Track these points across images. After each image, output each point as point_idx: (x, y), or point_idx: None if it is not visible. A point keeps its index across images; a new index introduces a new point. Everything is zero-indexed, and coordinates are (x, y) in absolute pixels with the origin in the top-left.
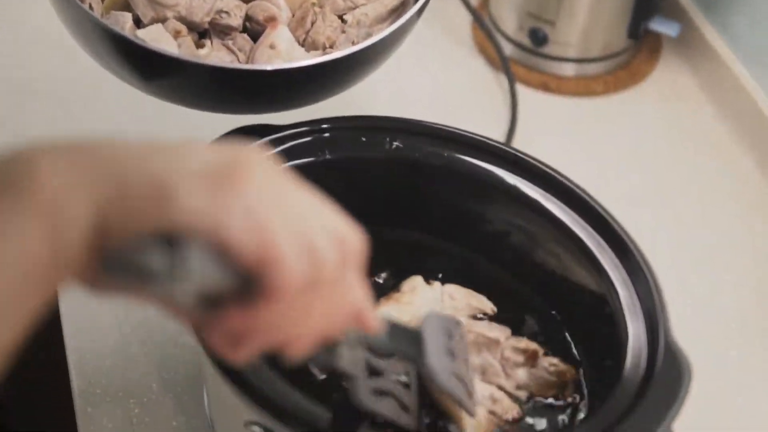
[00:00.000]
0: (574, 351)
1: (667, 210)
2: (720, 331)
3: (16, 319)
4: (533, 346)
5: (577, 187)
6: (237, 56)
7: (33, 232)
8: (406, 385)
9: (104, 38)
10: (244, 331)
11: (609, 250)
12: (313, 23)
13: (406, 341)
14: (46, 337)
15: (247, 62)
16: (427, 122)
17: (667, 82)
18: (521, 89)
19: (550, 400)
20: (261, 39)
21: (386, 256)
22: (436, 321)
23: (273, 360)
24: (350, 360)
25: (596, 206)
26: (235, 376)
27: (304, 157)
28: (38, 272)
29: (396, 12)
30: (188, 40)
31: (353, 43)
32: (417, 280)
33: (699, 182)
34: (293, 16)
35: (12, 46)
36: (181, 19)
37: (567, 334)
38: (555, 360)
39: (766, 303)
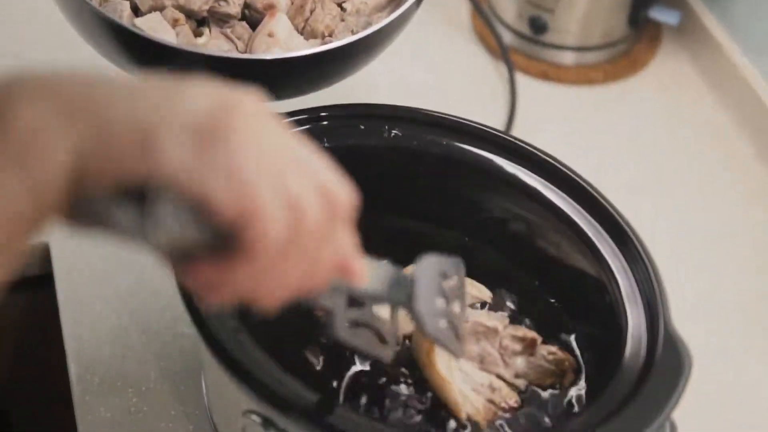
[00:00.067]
0: (574, 339)
1: (666, 198)
2: (720, 320)
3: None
4: (531, 334)
5: (577, 175)
6: (236, 44)
7: (10, 177)
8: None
9: (102, 27)
10: (218, 282)
11: (608, 239)
12: (312, 11)
13: (396, 286)
14: (44, 327)
15: (245, 51)
16: (425, 110)
17: (667, 71)
18: (521, 78)
19: (551, 386)
20: (260, 27)
21: (385, 245)
22: (431, 263)
23: (271, 348)
24: (329, 295)
25: (596, 195)
26: (233, 364)
27: None
28: (18, 214)
29: (395, 0)
30: (186, 28)
31: (352, 32)
32: None
33: (699, 171)
34: (292, 3)
35: (10, 34)
36: (180, 8)
37: (566, 323)
38: (554, 348)
39: (766, 289)
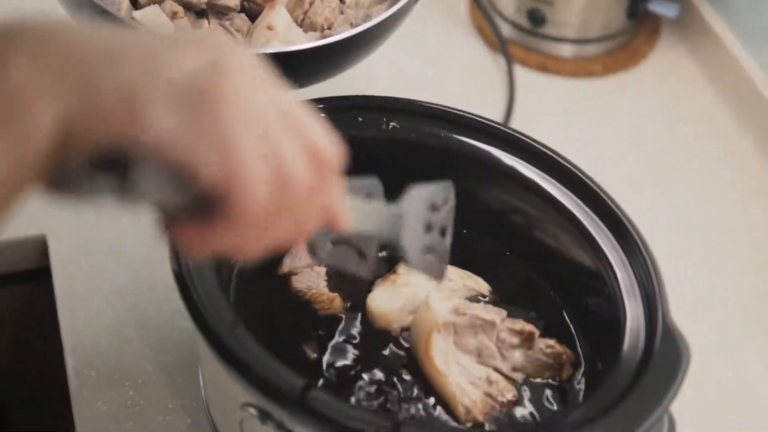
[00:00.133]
0: (572, 332)
1: (665, 191)
2: (718, 315)
3: None
4: (529, 327)
5: (575, 167)
6: (234, 37)
7: None
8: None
9: (101, 19)
10: (202, 241)
11: (607, 231)
12: (311, 4)
13: (384, 223)
14: (42, 321)
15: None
16: (424, 102)
17: (666, 64)
18: (519, 70)
19: (548, 381)
20: (259, 20)
21: None
22: (419, 195)
23: (268, 341)
24: None
25: (594, 187)
26: (230, 357)
27: None
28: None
29: None
30: (185, 21)
31: (352, 25)
32: None
33: (697, 163)
34: None
35: None
36: (178, 0)
37: (564, 316)
38: (551, 342)
39: (765, 286)
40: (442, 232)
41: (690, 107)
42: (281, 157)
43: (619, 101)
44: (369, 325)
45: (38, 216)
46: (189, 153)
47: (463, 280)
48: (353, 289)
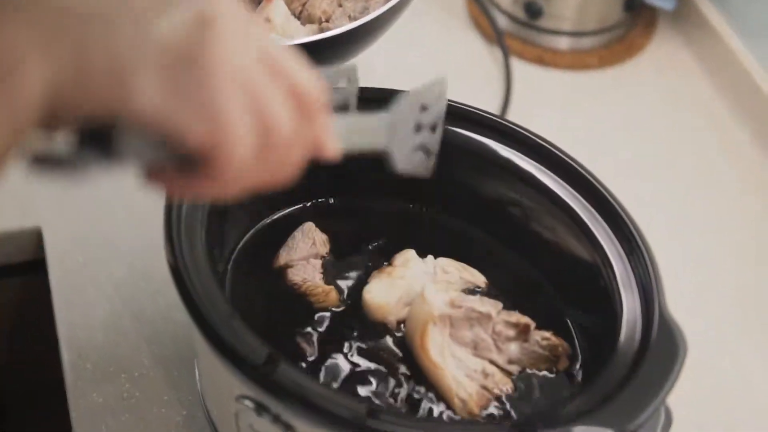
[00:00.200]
0: (568, 324)
1: (662, 183)
2: (714, 307)
3: None
4: (525, 319)
5: (572, 159)
6: None
7: None
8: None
9: None
10: (186, 191)
11: (604, 223)
12: None
13: (372, 136)
14: (37, 313)
15: None
16: None
17: (663, 56)
18: (516, 63)
19: (544, 373)
20: (256, 13)
21: (378, 229)
22: (411, 99)
23: (264, 334)
24: None
25: (591, 179)
26: (226, 350)
27: None
28: None
29: None
30: None
31: (350, 17)
32: (410, 254)
33: (694, 155)
34: None
35: None
36: None
37: (561, 308)
38: (547, 334)
39: (762, 277)
40: (433, 128)
41: (687, 100)
42: (266, 108)
43: (616, 94)
44: (365, 317)
45: (33, 208)
46: (175, 121)
47: (459, 273)
48: (349, 282)
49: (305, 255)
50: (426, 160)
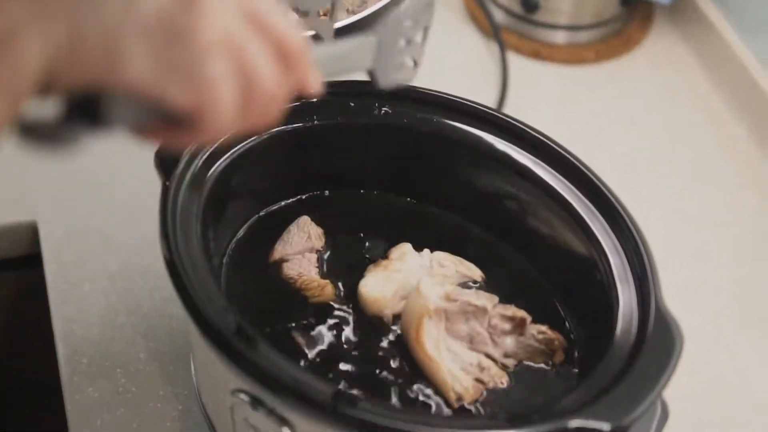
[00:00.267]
0: (565, 318)
1: (658, 177)
2: (711, 301)
3: None
4: (521, 313)
5: (568, 153)
6: None
7: None
8: None
9: None
10: (173, 141)
11: (600, 217)
12: None
13: (357, 59)
14: (32, 308)
15: None
16: (416, 87)
17: (659, 50)
18: (512, 57)
19: (540, 366)
20: None
21: (375, 223)
22: (397, 16)
23: (260, 328)
24: None
25: (587, 173)
26: (221, 344)
27: (293, 123)
28: None
29: None
30: None
31: (348, 11)
32: (406, 247)
33: (691, 150)
34: None
35: None
36: None
37: (557, 301)
38: (543, 327)
39: (759, 271)
40: (421, 38)
41: (683, 94)
42: (250, 66)
43: (612, 88)
44: (360, 311)
45: (29, 202)
46: (162, 88)
47: (455, 266)
48: (345, 276)
49: (301, 249)
50: (411, 70)
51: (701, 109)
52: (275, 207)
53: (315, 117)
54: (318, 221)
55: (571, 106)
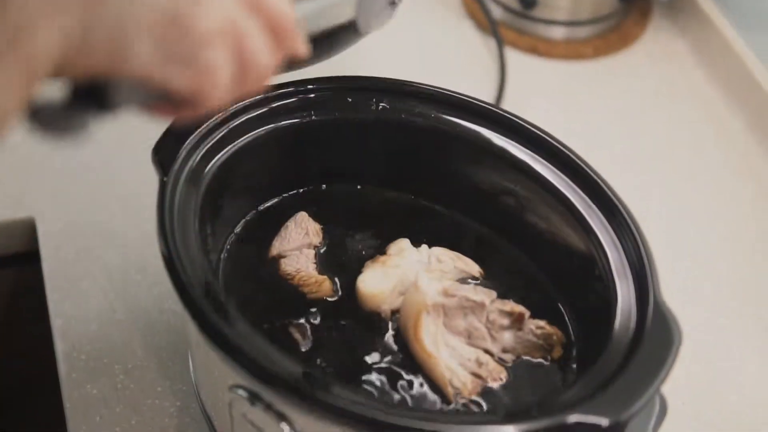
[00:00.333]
0: (563, 313)
1: (656, 172)
2: (711, 295)
3: None
4: (519, 308)
5: (567, 149)
6: None
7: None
8: None
9: None
10: (170, 115)
11: (598, 212)
12: None
13: (337, 10)
14: (30, 304)
15: None
16: (414, 83)
17: (657, 46)
18: (510, 53)
19: (539, 361)
20: None
21: (373, 219)
22: None
23: (257, 324)
24: None
25: (585, 168)
26: (220, 340)
27: (290, 118)
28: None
29: None
30: None
31: None
32: (404, 243)
33: (689, 145)
34: None
35: None
36: None
37: (555, 296)
38: (542, 323)
39: (757, 266)
40: None
41: (681, 89)
42: (245, 47)
43: (610, 84)
44: (358, 307)
45: (27, 198)
46: (164, 75)
47: (453, 262)
48: (343, 271)
49: (298, 245)
50: (390, 11)
51: (699, 104)
52: (273, 202)
53: (312, 112)
54: (315, 217)
55: (569, 102)
